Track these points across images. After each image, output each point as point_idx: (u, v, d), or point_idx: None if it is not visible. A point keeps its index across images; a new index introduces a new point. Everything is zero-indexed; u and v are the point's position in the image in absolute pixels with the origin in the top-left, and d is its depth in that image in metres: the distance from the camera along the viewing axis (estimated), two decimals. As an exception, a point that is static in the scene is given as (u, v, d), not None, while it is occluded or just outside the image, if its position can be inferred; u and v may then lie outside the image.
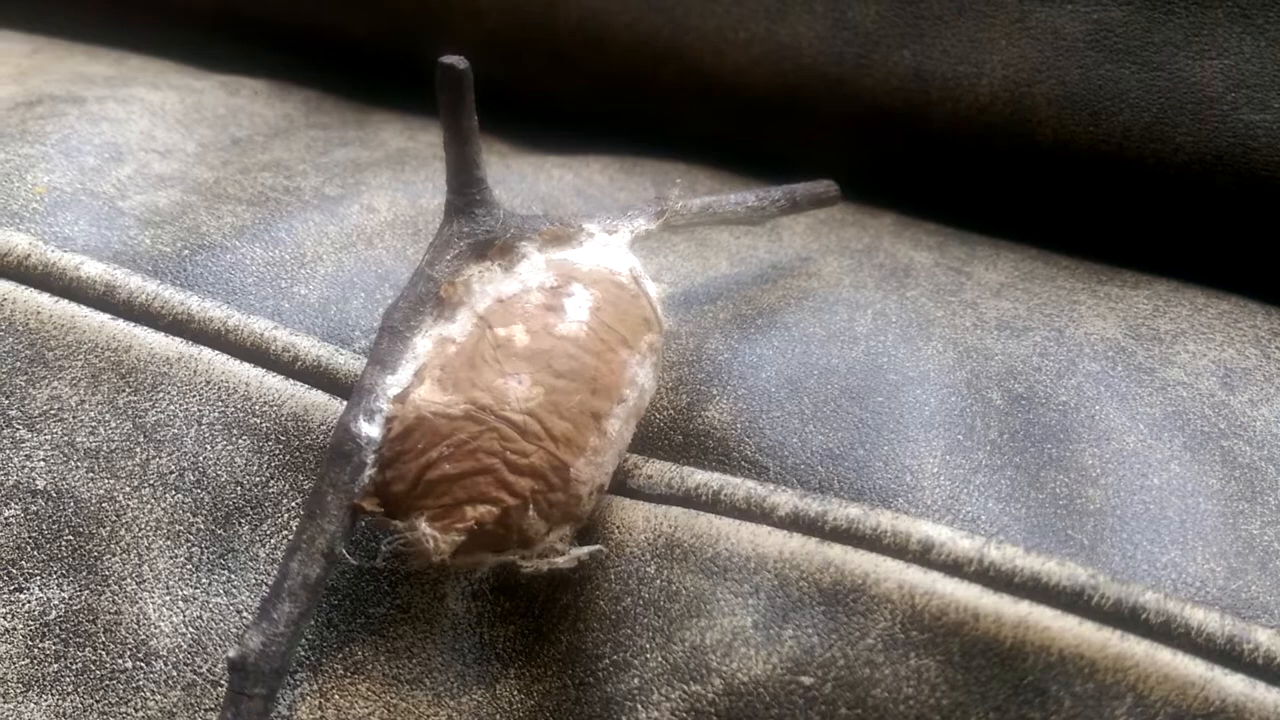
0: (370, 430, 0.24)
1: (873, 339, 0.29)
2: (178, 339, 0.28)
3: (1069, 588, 0.24)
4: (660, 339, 0.27)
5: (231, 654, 0.23)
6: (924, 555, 0.25)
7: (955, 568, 0.24)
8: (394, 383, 0.25)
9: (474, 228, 0.26)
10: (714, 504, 0.26)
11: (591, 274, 0.26)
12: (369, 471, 0.24)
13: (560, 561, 0.25)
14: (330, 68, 0.42)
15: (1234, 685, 0.23)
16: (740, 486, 0.26)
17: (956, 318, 0.31)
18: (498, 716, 0.26)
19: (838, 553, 0.25)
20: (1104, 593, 0.24)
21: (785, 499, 0.26)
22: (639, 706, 0.25)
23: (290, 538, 0.26)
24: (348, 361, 0.28)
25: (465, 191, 0.26)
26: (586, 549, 0.25)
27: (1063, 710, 0.23)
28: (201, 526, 0.27)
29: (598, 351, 0.25)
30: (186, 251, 0.30)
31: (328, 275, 0.30)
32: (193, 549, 0.26)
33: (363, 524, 0.25)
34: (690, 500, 0.26)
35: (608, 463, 0.25)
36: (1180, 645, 0.23)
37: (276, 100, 0.39)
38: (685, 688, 0.24)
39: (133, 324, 0.28)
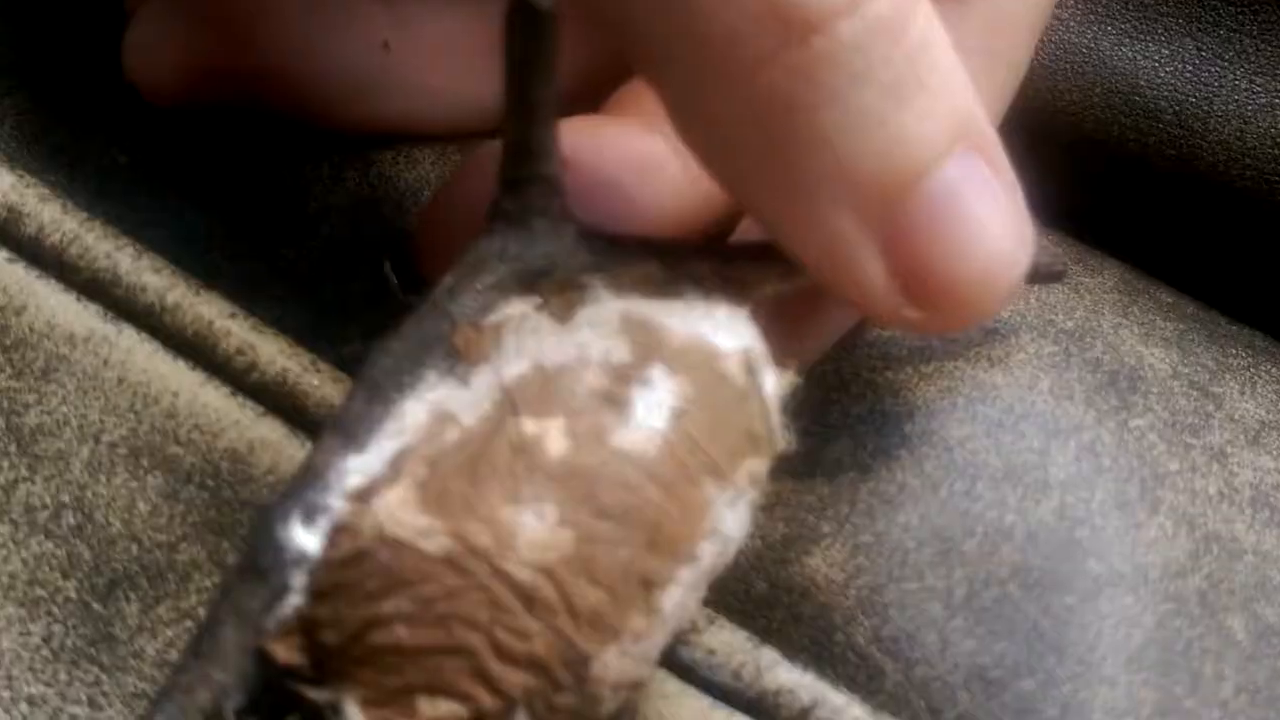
0: (307, 540, 0.16)
1: (1072, 492, 0.20)
2: (94, 305, 0.20)
3: None
4: (767, 465, 0.18)
5: None
6: None
7: None
8: (358, 468, 0.16)
9: (525, 248, 0.17)
10: None
11: (685, 351, 0.17)
12: (294, 599, 0.16)
13: None
14: None
15: None
16: (843, 713, 0.17)
17: (1197, 476, 0.21)
18: None
19: None
20: None
21: None
22: None
23: (189, 639, 0.18)
24: (324, 385, 0.20)
25: (523, 189, 0.17)
26: None
27: None
28: (73, 595, 0.19)
29: (669, 482, 0.16)
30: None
31: None
32: (54, 626, 0.18)
33: (272, 678, 0.17)
34: (763, 709, 0.18)
35: (652, 649, 0.17)
36: None
37: None
38: None
39: (35, 273, 0.20)
